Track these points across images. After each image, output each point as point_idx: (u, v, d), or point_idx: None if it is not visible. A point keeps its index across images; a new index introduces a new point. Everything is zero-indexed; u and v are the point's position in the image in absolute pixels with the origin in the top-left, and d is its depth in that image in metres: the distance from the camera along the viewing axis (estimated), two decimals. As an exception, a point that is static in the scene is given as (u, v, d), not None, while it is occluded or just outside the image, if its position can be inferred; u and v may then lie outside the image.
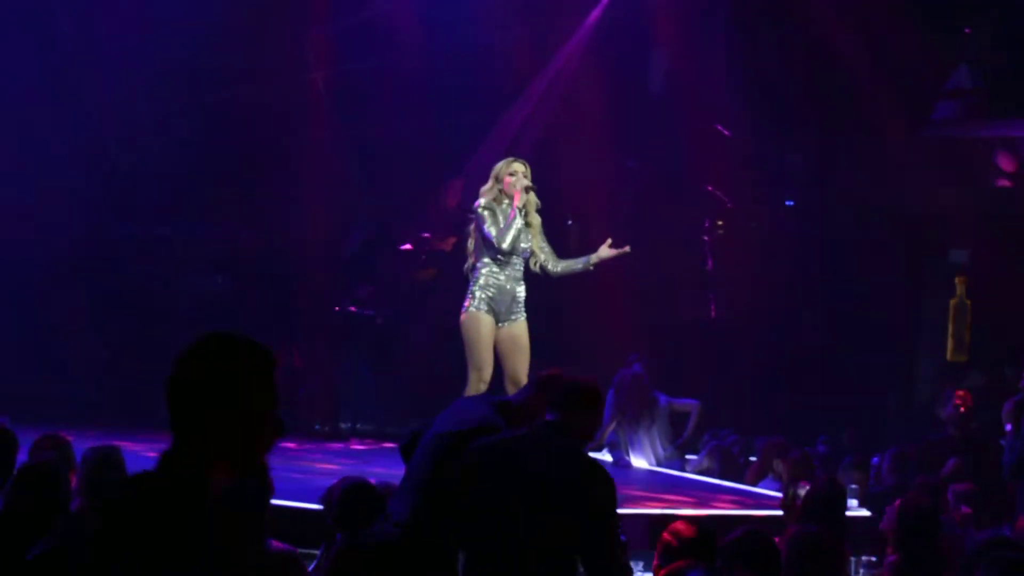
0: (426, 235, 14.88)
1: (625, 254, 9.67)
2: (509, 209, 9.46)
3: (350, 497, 6.83)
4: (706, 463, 12.73)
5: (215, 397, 3.51)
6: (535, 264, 9.62)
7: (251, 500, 4.24)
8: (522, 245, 9.50)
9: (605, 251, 9.67)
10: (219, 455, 3.49)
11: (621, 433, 13.22)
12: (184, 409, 3.52)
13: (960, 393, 11.23)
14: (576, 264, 9.72)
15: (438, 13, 15.16)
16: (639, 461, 13.07)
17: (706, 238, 15.80)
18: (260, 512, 5.03)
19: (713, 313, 15.44)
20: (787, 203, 16.40)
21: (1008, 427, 10.70)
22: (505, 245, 9.41)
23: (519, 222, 9.44)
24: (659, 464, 13.10)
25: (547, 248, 9.66)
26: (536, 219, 9.60)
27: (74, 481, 7.07)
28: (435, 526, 6.40)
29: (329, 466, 10.92)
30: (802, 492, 8.90)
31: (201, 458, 3.47)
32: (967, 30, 15.29)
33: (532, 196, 9.55)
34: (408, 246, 15.02)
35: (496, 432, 6.47)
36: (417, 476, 6.67)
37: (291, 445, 12.05)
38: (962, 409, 11.01)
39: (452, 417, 6.79)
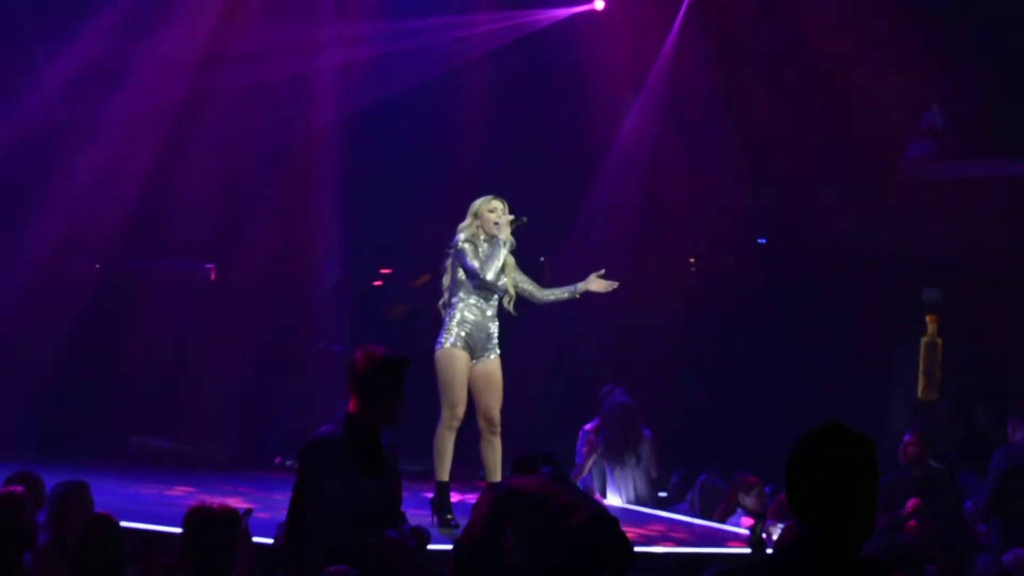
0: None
1: (613, 289, 9.69)
2: (487, 245, 9.46)
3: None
4: (694, 501, 12.62)
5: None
6: (509, 302, 9.61)
7: None
8: (500, 281, 9.50)
9: (595, 283, 9.68)
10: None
11: (597, 469, 12.99)
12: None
13: (911, 434, 11.27)
14: (563, 292, 9.71)
15: (423, 53, 15.22)
16: (614, 498, 12.89)
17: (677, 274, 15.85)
18: None
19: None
20: (759, 241, 16.45)
21: None
22: (489, 276, 9.38)
23: (502, 254, 9.43)
24: (637, 502, 12.83)
25: (527, 279, 9.66)
26: (510, 258, 9.60)
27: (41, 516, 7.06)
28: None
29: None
30: (774, 530, 8.89)
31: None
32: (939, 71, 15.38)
33: (510, 236, 9.55)
34: (379, 282, 15.02)
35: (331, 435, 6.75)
36: None
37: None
38: (910, 450, 11.06)
39: None
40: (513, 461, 6.86)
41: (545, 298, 9.69)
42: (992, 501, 10.68)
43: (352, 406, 6.80)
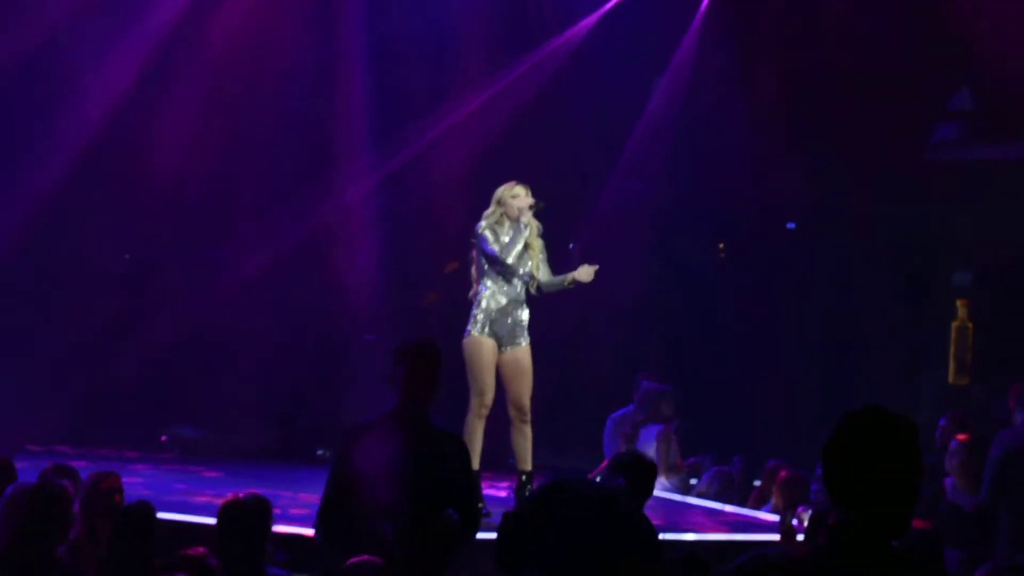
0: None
1: (590, 280, 9.61)
2: (511, 231, 9.47)
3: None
4: (706, 487, 12.61)
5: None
6: (534, 287, 9.62)
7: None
8: (522, 269, 9.50)
9: (582, 272, 9.62)
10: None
11: None
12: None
13: (946, 418, 11.19)
14: (558, 281, 9.68)
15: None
16: None
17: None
18: None
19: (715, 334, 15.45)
20: (788, 225, 16.40)
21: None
22: (510, 259, 9.41)
23: (523, 238, 9.44)
24: (670, 491, 12.82)
25: (545, 269, 9.63)
26: (537, 242, 9.61)
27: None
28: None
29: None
30: (804, 516, 8.86)
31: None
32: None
33: (533, 220, 9.55)
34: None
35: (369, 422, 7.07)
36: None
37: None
38: (946, 434, 10.97)
39: None
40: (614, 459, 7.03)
41: (544, 284, 9.66)
42: (993, 494, 9.88)
43: (396, 396, 7.04)
